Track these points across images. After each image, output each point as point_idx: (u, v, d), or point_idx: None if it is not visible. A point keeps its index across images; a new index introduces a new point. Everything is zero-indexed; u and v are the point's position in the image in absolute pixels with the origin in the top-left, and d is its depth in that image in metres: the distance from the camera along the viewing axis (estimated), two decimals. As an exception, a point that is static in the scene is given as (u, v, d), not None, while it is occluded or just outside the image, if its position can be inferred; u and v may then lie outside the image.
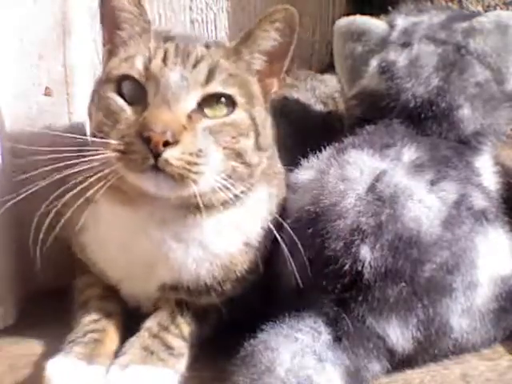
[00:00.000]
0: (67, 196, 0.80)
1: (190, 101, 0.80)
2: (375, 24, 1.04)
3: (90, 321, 0.88)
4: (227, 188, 0.81)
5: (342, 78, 1.08)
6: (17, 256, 1.00)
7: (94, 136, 0.83)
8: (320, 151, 0.94)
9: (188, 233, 0.85)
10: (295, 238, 0.83)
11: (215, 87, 0.82)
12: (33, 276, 1.01)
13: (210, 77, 0.82)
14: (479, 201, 0.87)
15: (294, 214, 0.88)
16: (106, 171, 0.78)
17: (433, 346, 0.84)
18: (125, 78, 0.82)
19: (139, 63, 0.82)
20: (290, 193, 0.93)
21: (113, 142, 0.79)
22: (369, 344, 0.81)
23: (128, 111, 0.81)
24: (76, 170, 0.78)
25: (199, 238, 0.86)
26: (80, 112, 1.06)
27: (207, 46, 0.86)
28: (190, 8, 1.36)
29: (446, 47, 0.98)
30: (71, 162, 0.78)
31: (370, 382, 0.82)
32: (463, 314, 0.83)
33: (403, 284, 0.81)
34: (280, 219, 0.87)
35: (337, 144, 0.95)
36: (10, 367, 0.90)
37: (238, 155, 0.83)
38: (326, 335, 0.81)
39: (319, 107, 1.18)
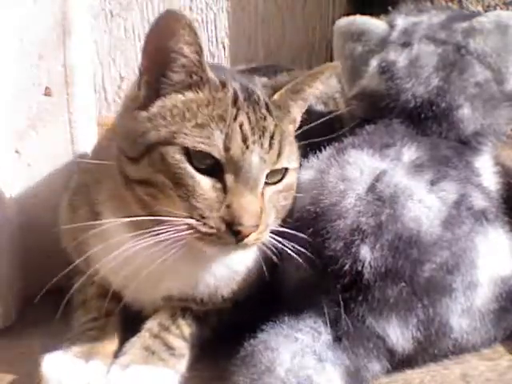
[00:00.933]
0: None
1: (263, 179, 0.80)
2: (375, 24, 1.04)
3: (88, 319, 0.88)
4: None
5: (342, 78, 1.09)
6: (17, 256, 1.00)
7: (141, 183, 0.78)
8: (320, 151, 0.94)
9: (213, 257, 0.85)
10: (295, 238, 0.83)
11: (282, 163, 0.83)
12: (33, 276, 1.01)
13: (279, 153, 0.82)
14: (479, 201, 0.87)
15: (294, 213, 0.88)
16: (175, 239, 0.76)
17: (433, 346, 0.84)
18: (199, 154, 0.77)
19: (219, 141, 0.77)
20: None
21: (191, 221, 0.76)
22: (369, 344, 0.81)
23: (205, 187, 0.77)
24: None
25: (223, 260, 0.86)
26: (80, 112, 1.06)
27: (267, 107, 0.83)
28: (190, 8, 1.36)
29: (446, 47, 0.98)
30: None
31: (370, 381, 0.82)
32: (463, 314, 0.83)
33: (403, 284, 0.81)
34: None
35: (337, 144, 0.95)
36: (10, 367, 0.90)
37: (286, 206, 0.86)
38: (326, 335, 0.81)
39: (320, 107, 1.18)
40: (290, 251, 0.82)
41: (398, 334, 0.81)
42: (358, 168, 0.87)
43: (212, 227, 0.76)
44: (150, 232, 0.76)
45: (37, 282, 1.01)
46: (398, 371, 0.85)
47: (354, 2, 1.43)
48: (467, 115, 0.96)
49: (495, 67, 0.98)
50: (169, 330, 0.86)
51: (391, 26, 1.03)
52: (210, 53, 1.40)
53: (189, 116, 0.78)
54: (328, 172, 0.88)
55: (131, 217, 0.78)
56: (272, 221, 0.83)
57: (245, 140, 0.78)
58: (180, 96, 0.80)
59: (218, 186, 0.77)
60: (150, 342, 0.84)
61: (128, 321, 0.90)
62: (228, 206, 0.76)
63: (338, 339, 0.81)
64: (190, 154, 0.77)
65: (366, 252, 0.81)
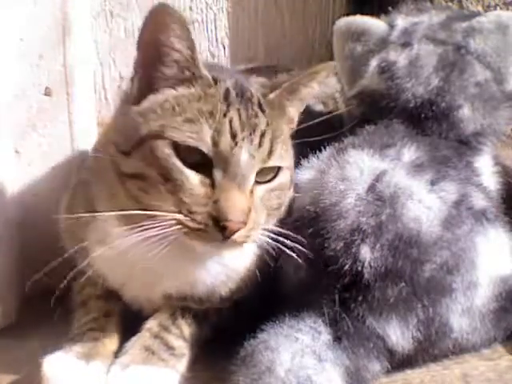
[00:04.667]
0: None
1: (253, 177, 0.80)
2: (375, 24, 1.04)
3: (88, 320, 0.88)
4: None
5: (341, 78, 1.08)
6: (17, 256, 1.00)
7: (132, 177, 0.79)
8: (320, 151, 0.94)
9: (208, 255, 0.85)
10: (295, 238, 0.83)
11: (273, 162, 0.82)
12: (33, 276, 1.01)
13: (270, 151, 0.81)
14: (479, 201, 0.87)
15: (294, 213, 0.88)
16: (164, 234, 0.76)
17: (433, 346, 0.84)
18: (189, 149, 0.77)
19: (207, 137, 0.76)
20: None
21: (180, 216, 0.76)
22: (369, 344, 0.81)
23: (194, 182, 0.77)
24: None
25: (218, 258, 0.85)
26: (80, 112, 1.06)
27: (260, 105, 0.83)
28: (190, 8, 1.36)
29: (446, 47, 0.98)
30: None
31: (370, 381, 0.82)
32: (463, 313, 0.83)
33: (403, 284, 0.81)
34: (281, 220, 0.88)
35: (337, 144, 0.95)
36: (10, 367, 0.90)
37: (279, 205, 0.85)
38: (325, 335, 0.81)
39: (319, 107, 1.18)
40: (289, 252, 0.82)
41: (398, 334, 0.81)
42: (358, 168, 0.87)
43: (200, 223, 0.76)
44: (140, 226, 0.76)
45: (37, 281, 1.02)
46: (398, 371, 0.85)
47: (354, 2, 1.43)
48: (467, 115, 0.96)
49: (495, 67, 0.98)
50: (169, 329, 0.86)
51: (391, 26, 1.03)
52: (209, 53, 1.40)
53: (179, 110, 0.78)
54: (328, 172, 0.88)
55: (122, 211, 0.78)
56: (264, 220, 0.82)
57: (234, 136, 0.78)
58: (172, 91, 0.80)
59: (207, 181, 0.77)
60: (150, 342, 0.84)
61: (128, 321, 0.90)
62: (215, 202, 0.76)
63: (337, 339, 0.81)
64: (178, 149, 0.77)
65: (366, 252, 0.81)
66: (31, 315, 1.00)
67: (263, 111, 0.83)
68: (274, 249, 0.84)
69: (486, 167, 0.98)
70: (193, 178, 0.77)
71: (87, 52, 1.11)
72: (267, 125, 0.81)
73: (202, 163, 0.77)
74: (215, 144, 0.77)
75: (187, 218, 0.76)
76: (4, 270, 0.97)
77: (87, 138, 1.08)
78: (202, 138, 0.77)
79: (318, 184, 0.88)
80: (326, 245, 0.82)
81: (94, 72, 1.31)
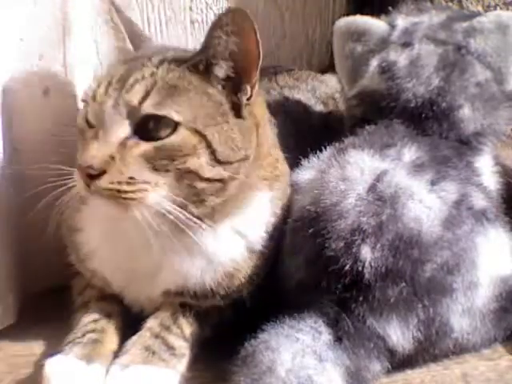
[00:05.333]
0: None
1: (123, 127, 0.78)
2: (375, 24, 1.04)
3: (89, 321, 0.88)
4: (193, 205, 0.80)
5: (342, 78, 1.08)
6: (17, 256, 1.00)
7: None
8: (321, 151, 0.94)
9: (188, 245, 0.85)
10: (296, 238, 0.83)
11: (146, 109, 0.78)
12: (33, 276, 1.01)
13: (143, 99, 0.78)
14: (479, 201, 0.87)
15: (294, 213, 0.88)
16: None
17: (433, 346, 0.84)
18: (84, 103, 0.84)
19: (90, 89, 0.82)
20: (291, 193, 0.93)
21: (70, 168, 0.80)
22: (369, 344, 0.81)
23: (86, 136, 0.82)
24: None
25: (200, 249, 0.85)
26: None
27: (161, 62, 0.82)
28: (190, 8, 1.36)
29: (447, 47, 0.98)
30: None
31: (371, 381, 0.82)
32: (464, 314, 0.83)
33: (404, 284, 0.81)
34: (280, 220, 0.88)
35: (337, 144, 0.95)
36: (9, 367, 0.90)
37: (192, 174, 0.79)
38: (326, 335, 0.81)
39: (320, 107, 1.19)
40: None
41: (399, 334, 0.81)
42: (358, 168, 0.87)
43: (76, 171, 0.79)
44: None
45: (37, 281, 1.02)
46: (399, 371, 0.85)
47: (354, 2, 1.43)
48: (468, 115, 0.96)
49: (495, 67, 0.98)
50: (169, 329, 0.86)
51: (391, 26, 1.03)
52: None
53: None
54: (328, 172, 0.88)
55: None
56: (166, 186, 0.78)
57: (107, 89, 0.80)
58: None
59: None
60: (151, 342, 0.84)
61: (129, 320, 0.90)
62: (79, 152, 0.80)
63: (338, 339, 0.81)
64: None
65: (366, 252, 0.81)
66: (31, 315, 1.00)
67: (160, 63, 0.82)
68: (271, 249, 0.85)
69: (486, 167, 0.98)
70: (86, 132, 0.81)
71: (87, 52, 1.11)
72: (151, 75, 0.80)
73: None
74: (93, 98, 0.81)
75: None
76: (4, 270, 0.97)
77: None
78: (87, 91, 0.83)
79: (318, 184, 0.88)
80: (326, 245, 0.82)
81: (94, 72, 1.31)
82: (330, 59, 0.99)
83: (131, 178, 0.77)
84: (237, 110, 0.83)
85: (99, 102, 0.80)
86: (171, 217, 0.79)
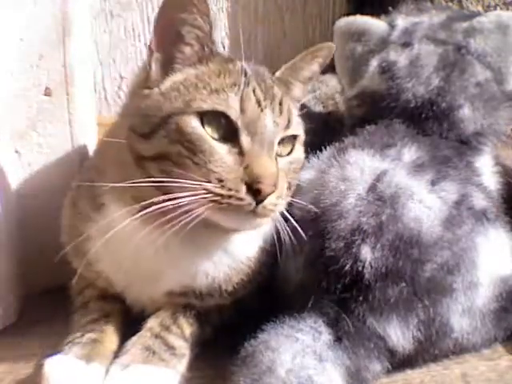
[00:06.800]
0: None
1: (277, 144, 0.83)
2: (375, 24, 1.04)
3: (88, 321, 0.88)
4: None
5: (342, 79, 1.09)
6: (17, 256, 1.00)
7: (154, 159, 0.79)
8: (320, 151, 0.94)
9: (213, 242, 0.85)
10: (295, 238, 0.83)
11: (292, 130, 0.85)
12: (33, 276, 1.01)
13: (289, 120, 0.84)
14: (480, 201, 0.87)
15: (294, 213, 0.88)
16: (192, 208, 0.76)
17: (433, 346, 0.84)
18: (216, 114, 0.79)
19: (235, 102, 0.79)
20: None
21: (208, 185, 0.76)
22: (369, 344, 0.81)
23: (222, 151, 0.78)
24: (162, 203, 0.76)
25: (224, 245, 0.86)
26: (80, 112, 1.06)
27: (272, 80, 0.87)
28: (190, 8, 1.35)
29: (447, 47, 0.98)
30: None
31: (371, 381, 0.82)
32: (464, 313, 0.83)
33: (404, 284, 0.81)
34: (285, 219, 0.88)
35: (337, 144, 0.95)
36: (10, 367, 0.90)
37: (294, 182, 0.87)
38: (326, 335, 0.81)
39: (319, 108, 1.18)
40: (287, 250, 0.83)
41: (399, 334, 0.81)
42: (358, 168, 0.87)
43: (230, 189, 0.76)
44: (168, 199, 0.75)
45: (37, 281, 1.02)
46: (399, 371, 0.85)
47: (354, 2, 1.43)
48: (468, 115, 0.96)
49: (495, 67, 0.98)
50: (169, 329, 0.86)
51: (391, 26, 1.03)
52: (210, 53, 1.40)
53: (202, 85, 0.80)
54: (328, 172, 0.88)
55: (135, 183, 0.77)
56: (285, 192, 0.83)
57: (259, 103, 0.80)
58: (191, 69, 0.83)
59: (235, 150, 0.79)
60: (151, 342, 0.84)
61: (128, 320, 0.90)
62: (246, 167, 0.77)
63: (338, 339, 0.81)
64: (203, 122, 0.78)
65: (366, 252, 0.81)
66: (31, 315, 1.00)
67: (276, 85, 0.86)
68: (279, 239, 0.85)
69: (486, 167, 0.98)
70: (221, 148, 0.78)
71: (87, 52, 1.11)
72: (282, 96, 0.85)
73: (227, 134, 0.79)
74: (242, 110, 0.79)
75: (217, 185, 0.76)
76: (4, 270, 0.97)
77: (87, 139, 1.08)
78: (229, 104, 0.79)
79: (318, 184, 0.88)
80: (326, 245, 0.82)
81: (94, 72, 1.31)
82: (331, 59, 0.99)
83: (283, 191, 0.82)
84: None
85: (256, 117, 0.79)
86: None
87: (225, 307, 0.91)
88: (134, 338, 0.84)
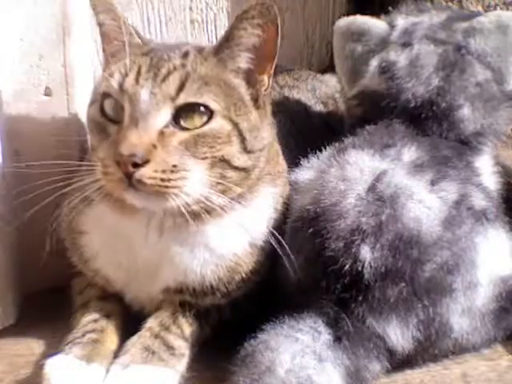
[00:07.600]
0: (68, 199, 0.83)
1: (162, 116, 0.79)
2: (375, 24, 1.04)
3: (89, 321, 0.88)
4: (220, 194, 0.81)
5: (342, 78, 1.09)
6: (17, 256, 1.00)
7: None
8: (320, 151, 0.94)
9: (192, 237, 0.85)
10: (295, 237, 0.83)
11: (186, 98, 0.80)
12: (33, 276, 1.01)
13: (180, 88, 0.80)
14: (479, 201, 0.87)
15: (294, 213, 0.88)
16: (98, 186, 0.81)
17: (433, 346, 0.84)
18: (105, 97, 0.82)
19: (115, 81, 0.81)
20: (291, 192, 0.93)
21: (96, 163, 0.80)
22: (369, 344, 0.81)
23: (111, 130, 0.81)
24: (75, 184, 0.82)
25: (204, 241, 0.86)
26: (80, 112, 1.06)
27: (185, 54, 0.84)
28: (190, 8, 1.36)
29: (447, 47, 0.98)
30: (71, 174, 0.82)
31: (370, 381, 0.82)
32: (463, 313, 0.83)
33: (403, 284, 0.81)
34: (281, 218, 0.88)
35: (337, 144, 0.95)
36: (10, 367, 0.90)
37: (224, 162, 0.81)
38: (326, 335, 0.81)
39: (320, 107, 1.19)
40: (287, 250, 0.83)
41: (398, 334, 0.81)
42: (358, 168, 0.87)
43: (105, 165, 0.78)
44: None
45: (37, 281, 1.02)
46: (398, 371, 0.85)
47: (354, 2, 1.43)
48: (467, 115, 0.96)
49: (495, 67, 0.98)
50: (169, 329, 0.86)
51: (391, 26, 1.03)
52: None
53: (107, 73, 0.84)
54: (328, 172, 0.88)
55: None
56: (202, 173, 0.79)
57: (137, 79, 0.80)
58: (114, 58, 0.86)
59: (119, 128, 0.80)
60: (150, 342, 0.84)
61: (129, 320, 0.90)
62: (115, 142, 0.78)
63: (338, 339, 0.81)
64: (102, 106, 0.83)
65: (366, 252, 0.81)
66: (31, 315, 1.00)
67: (185, 56, 0.84)
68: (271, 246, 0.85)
69: (486, 167, 0.98)
70: (111, 128, 0.81)
71: (87, 52, 1.11)
72: (182, 66, 0.82)
73: (118, 113, 0.81)
74: (120, 86, 0.81)
75: (100, 164, 0.79)
76: (4, 270, 0.97)
77: (87, 139, 1.08)
78: (111, 83, 0.81)
79: (318, 184, 0.88)
80: (326, 245, 0.82)
81: (94, 72, 1.31)
82: (330, 59, 0.99)
83: (174, 165, 0.78)
84: (255, 101, 0.86)
85: (131, 92, 0.79)
86: (196, 207, 0.80)
87: (223, 307, 0.91)
88: (133, 338, 0.84)
